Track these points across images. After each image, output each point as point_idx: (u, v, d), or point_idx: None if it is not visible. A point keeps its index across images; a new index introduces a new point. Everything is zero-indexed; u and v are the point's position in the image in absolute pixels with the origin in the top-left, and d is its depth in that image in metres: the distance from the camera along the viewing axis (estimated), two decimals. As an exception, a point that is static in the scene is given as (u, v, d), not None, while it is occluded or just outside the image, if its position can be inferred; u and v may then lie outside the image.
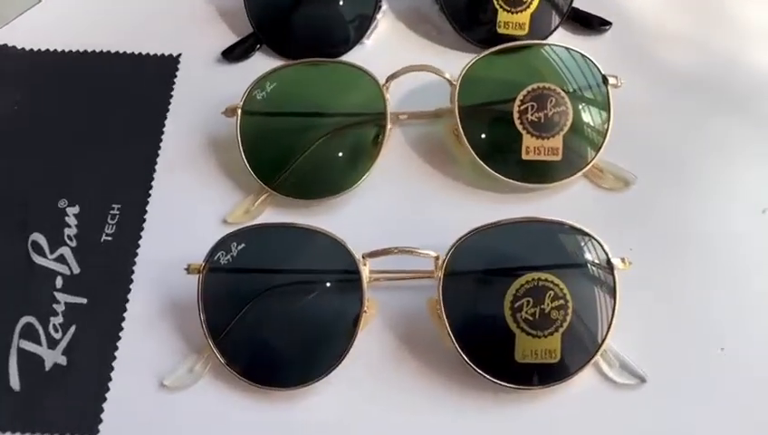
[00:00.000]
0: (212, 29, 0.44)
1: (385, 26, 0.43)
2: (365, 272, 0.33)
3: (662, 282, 0.35)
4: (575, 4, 0.42)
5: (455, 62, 0.39)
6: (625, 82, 0.37)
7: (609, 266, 0.32)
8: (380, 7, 0.42)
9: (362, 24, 0.42)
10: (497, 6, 0.41)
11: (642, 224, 0.37)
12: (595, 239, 0.33)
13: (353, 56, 0.42)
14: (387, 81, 0.37)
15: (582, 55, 0.38)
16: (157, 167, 0.39)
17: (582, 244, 0.33)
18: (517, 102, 0.37)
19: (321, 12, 0.42)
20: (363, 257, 0.33)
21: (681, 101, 0.40)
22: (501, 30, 0.41)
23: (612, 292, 0.32)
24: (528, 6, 0.41)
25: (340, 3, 0.42)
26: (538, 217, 0.33)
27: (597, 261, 0.33)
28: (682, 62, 0.41)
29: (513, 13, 0.41)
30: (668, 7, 0.43)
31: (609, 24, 0.42)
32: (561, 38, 0.42)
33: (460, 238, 0.33)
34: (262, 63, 0.42)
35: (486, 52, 0.38)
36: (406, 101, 0.40)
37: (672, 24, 0.43)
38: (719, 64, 0.41)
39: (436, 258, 0.33)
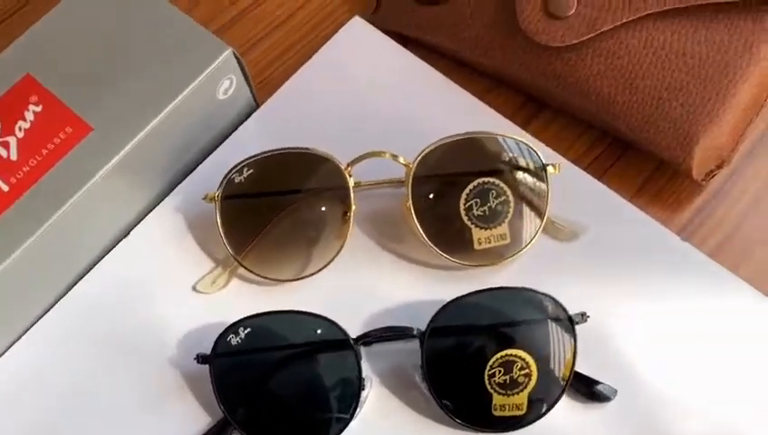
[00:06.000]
0: (179, 403, 0.39)
1: (370, 397, 0.39)
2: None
3: None
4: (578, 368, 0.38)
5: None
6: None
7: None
8: (365, 385, 0.38)
9: (347, 408, 0.38)
10: (491, 390, 0.37)
11: None
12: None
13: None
14: None
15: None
16: None
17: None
18: None
19: (299, 402, 0.38)
20: None
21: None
22: (497, 413, 0.37)
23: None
24: (525, 387, 0.37)
25: (322, 385, 0.38)
26: None
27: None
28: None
29: (508, 395, 0.37)
30: (679, 379, 0.39)
31: (614, 392, 0.38)
32: (565, 408, 0.38)
33: None
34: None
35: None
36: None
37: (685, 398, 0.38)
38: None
39: None
